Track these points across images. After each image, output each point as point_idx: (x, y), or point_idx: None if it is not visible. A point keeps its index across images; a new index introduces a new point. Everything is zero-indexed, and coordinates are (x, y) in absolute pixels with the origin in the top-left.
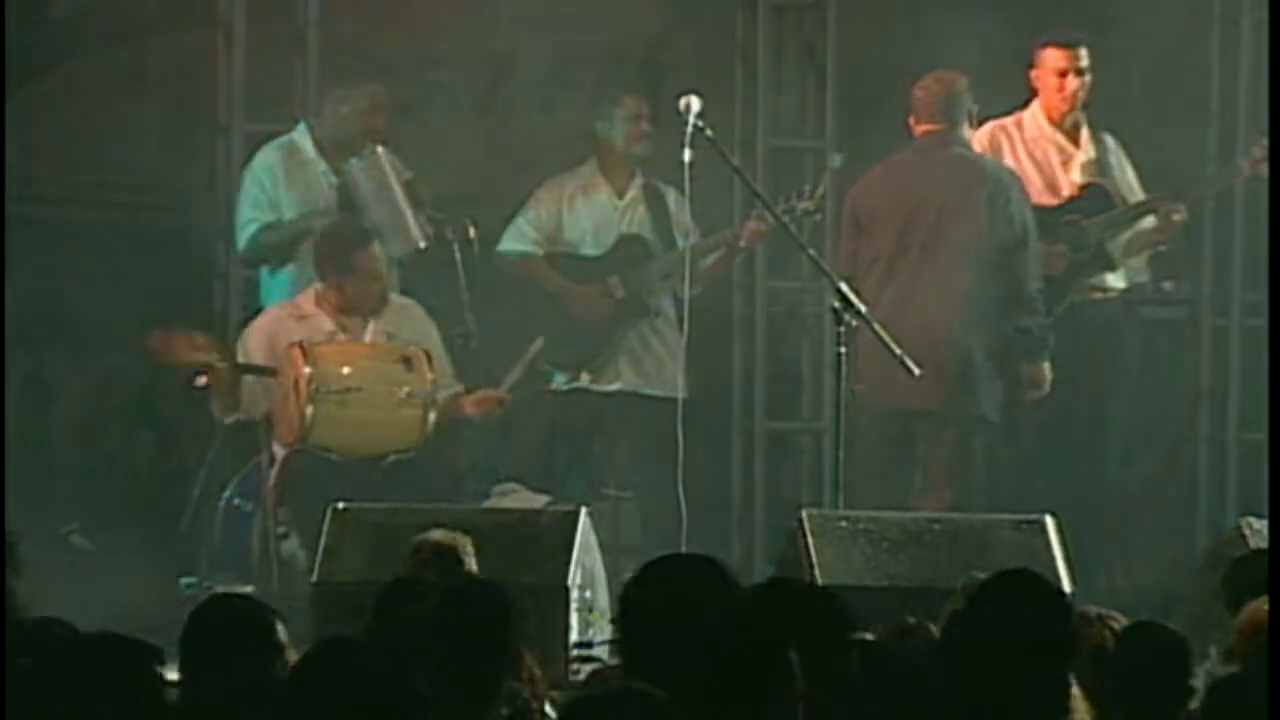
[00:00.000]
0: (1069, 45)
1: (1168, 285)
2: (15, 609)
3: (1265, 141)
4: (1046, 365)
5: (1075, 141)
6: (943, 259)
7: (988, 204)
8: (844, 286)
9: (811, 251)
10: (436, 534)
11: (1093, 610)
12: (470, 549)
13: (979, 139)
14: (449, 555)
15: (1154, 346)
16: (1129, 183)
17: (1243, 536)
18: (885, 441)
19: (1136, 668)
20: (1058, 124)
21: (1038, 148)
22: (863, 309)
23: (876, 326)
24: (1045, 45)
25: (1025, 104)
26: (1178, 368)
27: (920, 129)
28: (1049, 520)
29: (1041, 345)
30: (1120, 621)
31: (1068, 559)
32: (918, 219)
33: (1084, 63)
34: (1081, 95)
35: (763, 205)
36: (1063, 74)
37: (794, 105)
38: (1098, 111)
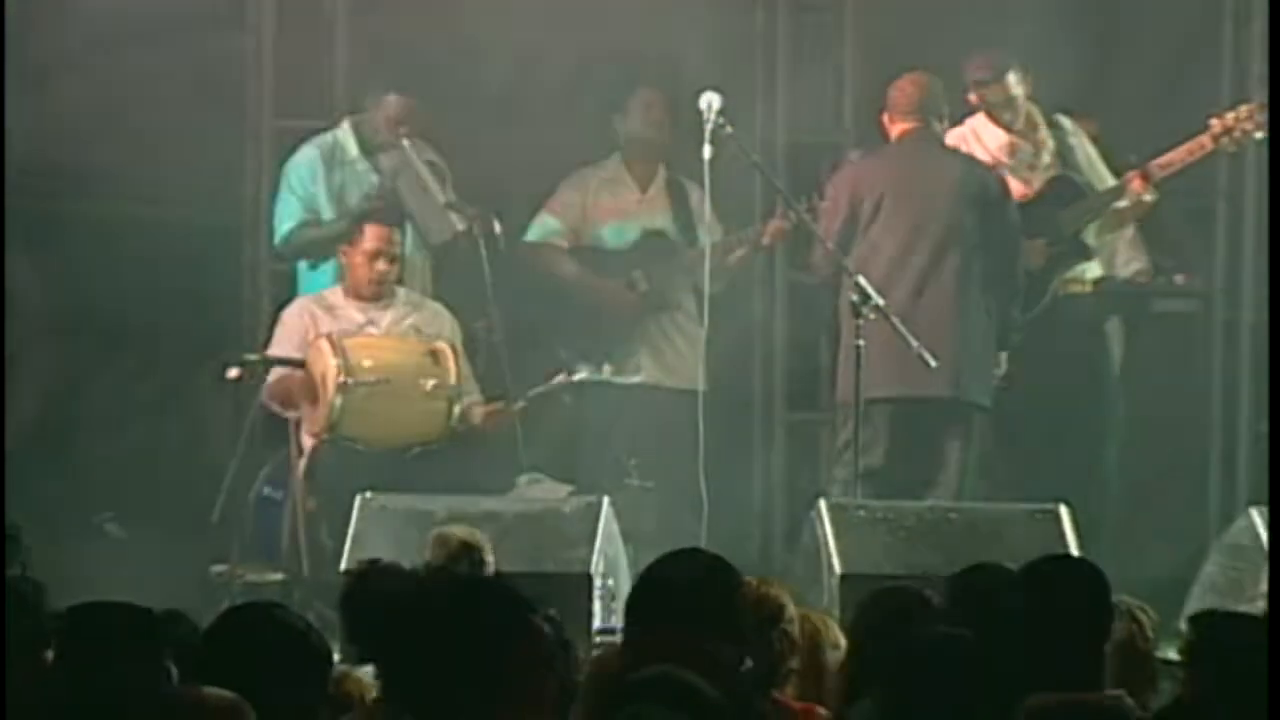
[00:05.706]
0: (982, 83)
1: (1180, 278)
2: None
3: (1225, 114)
4: (1005, 355)
5: (1034, 136)
6: (955, 251)
7: (988, 196)
8: (862, 280)
9: (831, 245)
10: (459, 530)
11: (1124, 601)
12: (489, 544)
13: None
14: (476, 551)
15: (1166, 339)
16: (1091, 161)
17: (1251, 525)
18: (892, 430)
19: (1216, 653)
20: (1009, 126)
21: (1000, 149)
22: (881, 302)
23: (895, 320)
24: (968, 82)
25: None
26: (1190, 360)
27: (899, 127)
28: (1063, 509)
29: (1013, 336)
30: (1150, 614)
31: (1081, 548)
32: (928, 212)
33: (1011, 90)
34: (1012, 118)
35: (783, 200)
36: (982, 103)
37: (813, 102)
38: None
